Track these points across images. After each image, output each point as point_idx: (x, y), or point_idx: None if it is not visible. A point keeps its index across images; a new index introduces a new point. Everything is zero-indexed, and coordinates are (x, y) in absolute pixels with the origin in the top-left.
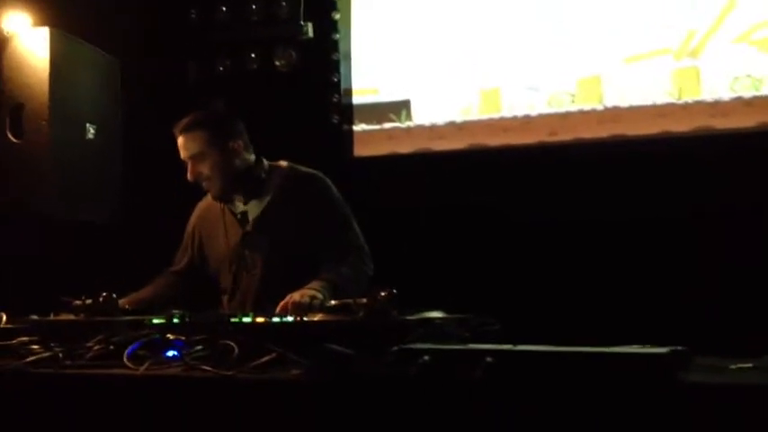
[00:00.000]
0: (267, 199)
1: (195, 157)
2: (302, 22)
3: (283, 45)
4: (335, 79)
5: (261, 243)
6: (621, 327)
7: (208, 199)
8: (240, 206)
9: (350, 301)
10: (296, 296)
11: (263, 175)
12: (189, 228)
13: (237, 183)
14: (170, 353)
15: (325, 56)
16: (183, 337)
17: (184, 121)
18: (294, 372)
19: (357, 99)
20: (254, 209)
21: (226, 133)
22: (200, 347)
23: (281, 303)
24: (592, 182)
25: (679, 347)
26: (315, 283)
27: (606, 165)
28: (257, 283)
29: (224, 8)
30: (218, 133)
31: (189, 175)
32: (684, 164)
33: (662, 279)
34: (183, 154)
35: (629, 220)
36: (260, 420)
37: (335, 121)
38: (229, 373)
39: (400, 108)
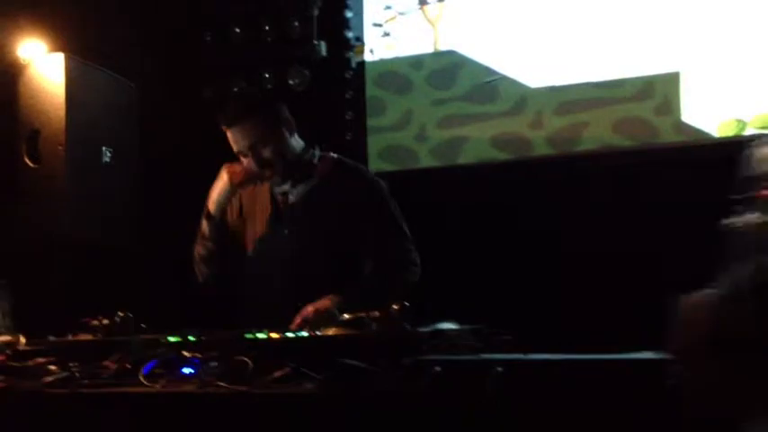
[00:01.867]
0: (312, 184)
1: (257, 144)
2: (315, 41)
3: (297, 64)
4: (348, 97)
5: (298, 229)
6: (634, 333)
7: (235, 170)
8: (284, 187)
9: (363, 314)
10: (310, 312)
11: (315, 160)
12: (216, 204)
13: (296, 165)
14: (186, 370)
15: (338, 74)
16: (199, 355)
17: (231, 111)
18: (308, 386)
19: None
20: (297, 193)
21: (279, 114)
22: (215, 364)
23: (296, 320)
24: (601, 191)
25: None
26: (334, 298)
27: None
28: (288, 270)
29: (237, 30)
30: (274, 115)
31: (254, 164)
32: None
33: (676, 286)
34: (241, 144)
35: (642, 230)
36: None
37: (349, 138)
38: (244, 388)
39: None
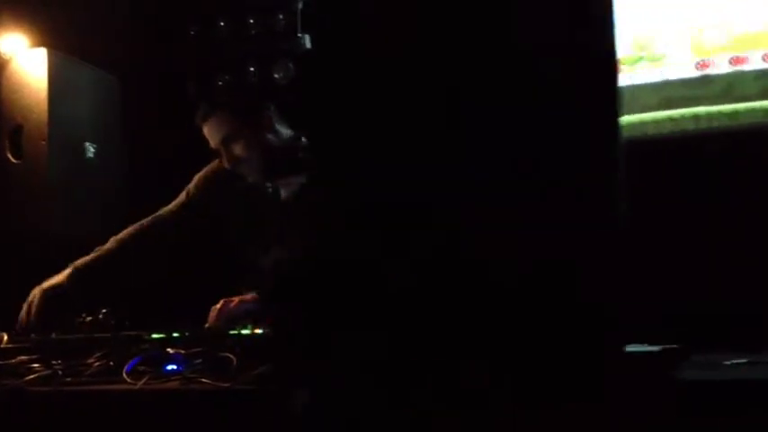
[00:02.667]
0: (303, 179)
1: (226, 141)
2: (299, 35)
3: (282, 58)
4: None
5: (286, 226)
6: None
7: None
8: (275, 183)
9: None
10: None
11: (301, 153)
12: (195, 188)
13: (277, 160)
14: (170, 367)
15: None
16: (183, 351)
17: (203, 107)
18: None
19: None
20: (288, 186)
21: (250, 108)
22: (199, 360)
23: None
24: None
25: (673, 345)
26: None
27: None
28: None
29: (222, 23)
30: (243, 108)
31: (226, 163)
32: None
33: (658, 276)
34: (212, 143)
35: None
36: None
37: None
38: (228, 385)
39: None
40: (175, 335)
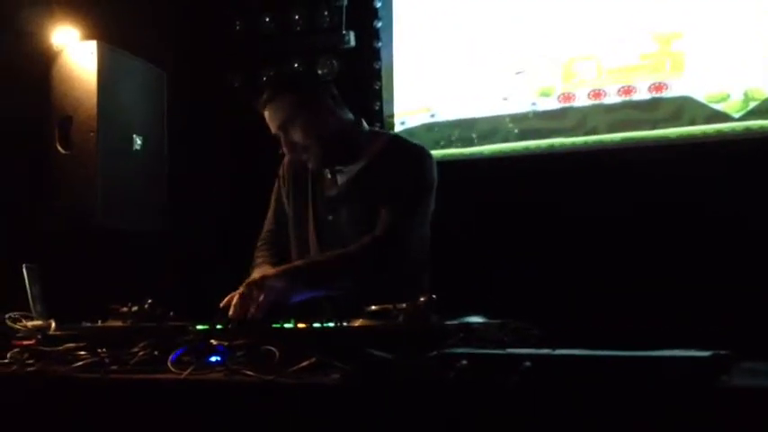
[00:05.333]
0: (362, 164)
1: (285, 125)
2: (344, 32)
3: (326, 54)
4: (377, 87)
5: (345, 211)
6: (663, 330)
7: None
8: (337, 166)
9: (390, 306)
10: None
11: (362, 139)
12: (276, 184)
13: (337, 146)
14: (213, 358)
15: (366, 64)
16: (226, 343)
17: (266, 93)
18: (334, 377)
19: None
20: (345, 173)
21: (312, 92)
22: (242, 353)
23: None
24: (630, 184)
25: (721, 351)
26: (280, 272)
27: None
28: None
29: (267, 19)
30: (305, 93)
31: (285, 149)
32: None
33: (706, 281)
34: (272, 128)
35: (675, 223)
36: (300, 425)
37: (376, 127)
38: (270, 377)
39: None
40: (219, 327)
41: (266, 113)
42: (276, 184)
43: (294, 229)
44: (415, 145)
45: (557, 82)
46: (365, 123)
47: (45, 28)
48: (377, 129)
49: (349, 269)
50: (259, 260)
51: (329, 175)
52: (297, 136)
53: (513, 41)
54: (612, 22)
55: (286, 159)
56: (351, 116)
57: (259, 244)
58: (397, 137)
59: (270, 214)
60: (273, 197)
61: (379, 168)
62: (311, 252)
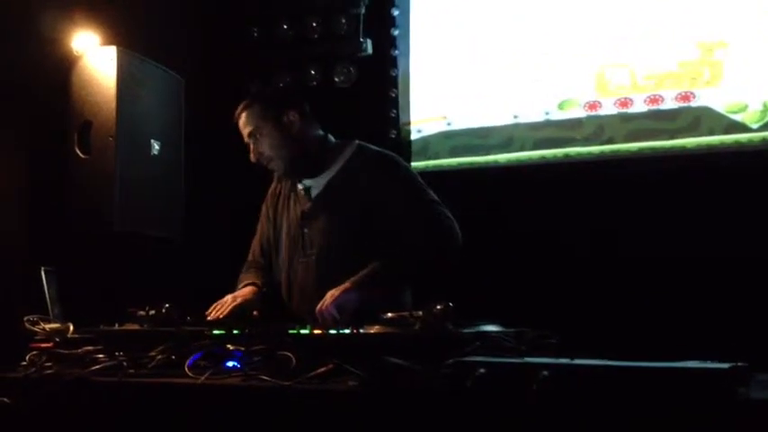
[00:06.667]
0: (330, 175)
1: (252, 135)
2: (361, 39)
3: (343, 61)
4: (393, 95)
5: (319, 222)
6: (681, 342)
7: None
8: (307, 181)
9: (406, 313)
10: (327, 303)
11: (327, 150)
12: (263, 208)
13: (300, 158)
14: (230, 363)
15: (383, 72)
16: (243, 348)
17: (241, 104)
18: (351, 383)
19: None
20: (316, 187)
21: (278, 105)
22: (258, 358)
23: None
24: (651, 196)
25: (740, 363)
26: (349, 285)
27: (662, 178)
28: (313, 265)
29: (285, 26)
30: (270, 106)
31: (251, 156)
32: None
33: (725, 293)
34: (243, 136)
35: (690, 234)
36: (316, 431)
37: (393, 135)
38: (287, 383)
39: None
40: (236, 332)
41: (239, 124)
42: (263, 209)
43: (275, 249)
44: (381, 149)
45: (584, 90)
46: (331, 137)
47: (65, 33)
48: (344, 141)
49: (412, 267)
50: (245, 278)
51: (303, 192)
52: (262, 147)
53: (530, 50)
54: (650, 28)
55: (272, 186)
56: (320, 132)
57: (244, 268)
58: (361, 144)
59: (256, 237)
60: (260, 222)
61: (346, 175)
62: (292, 270)
